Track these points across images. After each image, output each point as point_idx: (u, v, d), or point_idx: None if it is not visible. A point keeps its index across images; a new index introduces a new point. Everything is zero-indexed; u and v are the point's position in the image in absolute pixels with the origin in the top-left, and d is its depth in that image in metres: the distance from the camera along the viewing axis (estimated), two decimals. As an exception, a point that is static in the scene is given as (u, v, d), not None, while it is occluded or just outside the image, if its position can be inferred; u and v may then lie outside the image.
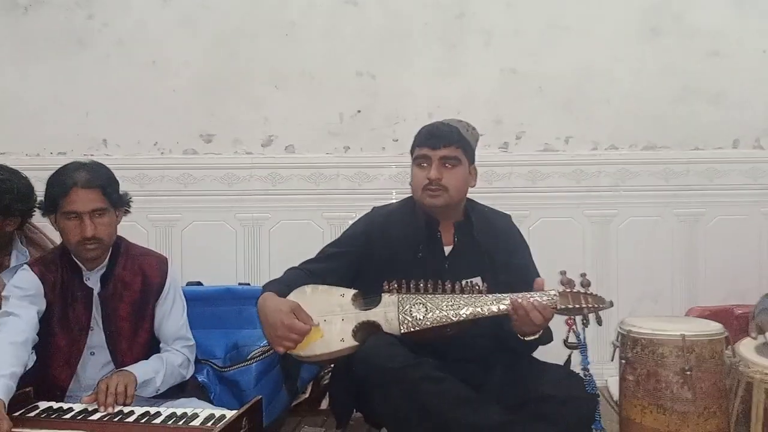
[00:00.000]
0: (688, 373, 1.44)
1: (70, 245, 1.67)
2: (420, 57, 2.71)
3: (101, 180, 1.68)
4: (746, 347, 1.64)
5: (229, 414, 1.44)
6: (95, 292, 1.71)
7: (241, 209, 2.70)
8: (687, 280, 2.63)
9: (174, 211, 2.69)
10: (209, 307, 2.20)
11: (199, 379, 1.95)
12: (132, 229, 2.60)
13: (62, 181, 1.65)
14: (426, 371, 1.56)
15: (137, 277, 1.75)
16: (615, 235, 2.67)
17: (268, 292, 1.73)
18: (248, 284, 2.48)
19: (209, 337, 2.08)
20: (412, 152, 1.85)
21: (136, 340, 1.74)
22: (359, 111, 2.72)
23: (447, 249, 1.84)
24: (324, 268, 1.82)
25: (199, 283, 2.42)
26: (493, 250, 1.81)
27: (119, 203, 1.73)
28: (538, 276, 1.77)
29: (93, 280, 1.72)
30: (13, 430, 1.33)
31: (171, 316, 1.79)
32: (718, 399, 1.46)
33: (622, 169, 2.66)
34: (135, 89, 2.70)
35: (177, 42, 2.70)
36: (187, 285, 2.38)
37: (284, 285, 1.77)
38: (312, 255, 1.96)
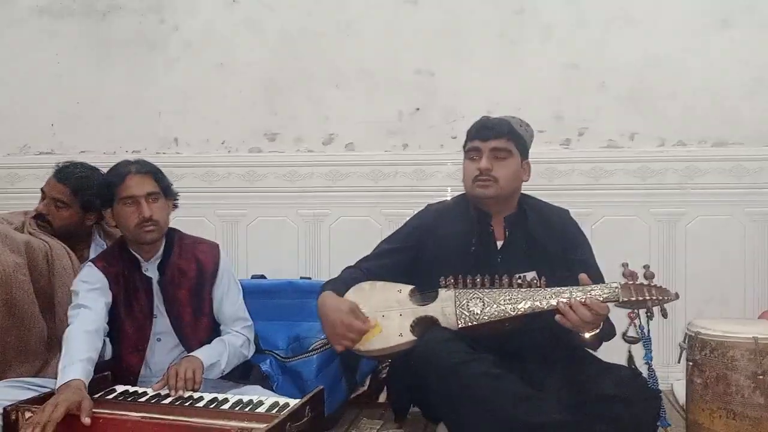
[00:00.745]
0: (761, 377, 1.39)
1: (128, 231, 1.78)
2: (478, 54, 2.69)
3: (152, 167, 1.82)
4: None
5: (293, 402, 1.49)
6: (154, 281, 1.81)
7: (302, 205, 2.77)
8: (759, 282, 2.51)
9: (239, 207, 2.79)
10: (272, 299, 2.28)
11: (263, 369, 2.02)
12: (200, 224, 2.73)
13: (117, 171, 1.79)
14: (485, 367, 1.57)
15: (192, 263, 1.84)
16: (683, 234, 2.57)
17: (327, 292, 1.79)
18: (309, 278, 2.54)
19: (272, 329, 2.16)
20: (464, 147, 1.86)
21: (198, 324, 1.83)
22: (418, 109, 2.74)
23: (499, 243, 1.84)
24: (379, 266, 1.86)
25: (263, 277, 2.50)
26: (547, 243, 1.80)
27: (169, 192, 1.84)
28: (599, 272, 1.74)
29: (151, 270, 1.82)
30: (93, 409, 1.43)
31: (228, 298, 1.87)
32: (792, 405, 1.40)
33: (690, 166, 2.56)
34: (203, 89, 2.82)
35: (242, 43, 2.80)
36: (251, 278, 2.47)
37: (342, 284, 1.82)
38: (370, 251, 2.00)
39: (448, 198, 2.53)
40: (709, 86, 2.56)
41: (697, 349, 1.51)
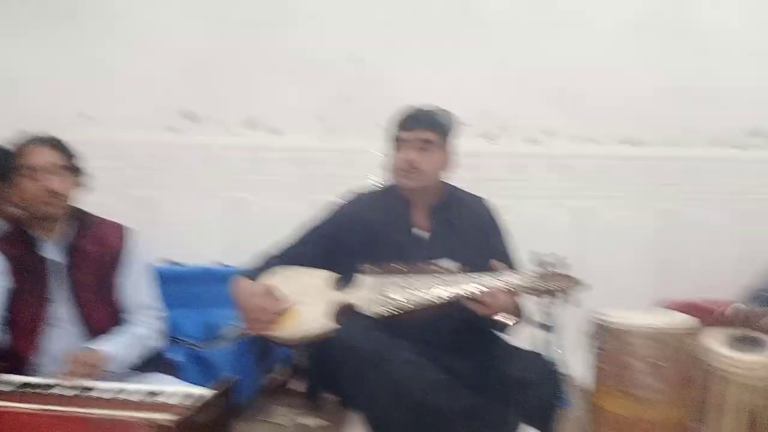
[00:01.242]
0: (658, 363, 1.48)
1: (28, 205, 1.65)
2: (410, 44, 2.70)
3: (56, 140, 1.71)
4: (714, 340, 1.68)
5: (204, 392, 1.44)
6: (54, 263, 1.69)
7: (223, 189, 2.68)
8: (660, 273, 2.68)
9: (155, 188, 2.67)
10: (186, 286, 2.20)
11: (173, 357, 1.94)
12: (111, 206, 2.57)
13: (18, 142, 1.68)
14: (401, 354, 1.58)
15: (97, 246, 1.72)
16: (593, 228, 2.70)
17: (242, 278, 1.74)
18: (227, 265, 2.47)
19: (184, 316, 2.08)
20: (391, 137, 1.86)
21: (102, 311, 1.71)
22: (346, 96, 2.72)
23: (422, 233, 1.86)
24: (301, 253, 1.83)
25: (177, 263, 2.41)
26: (469, 234, 1.83)
27: (75, 168, 1.71)
28: (516, 261, 1.80)
29: (51, 251, 1.69)
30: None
31: (137, 284, 1.76)
32: (683, 388, 1.50)
33: (602, 163, 2.69)
34: (119, 64, 2.67)
35: (164, 18, 2.67)
36: (165, 264, 2.37)
37: (259, 270, 1.78)
38: (292, 236, 1.97)
39: (375, 186, 2.53)
40: (624, 88, 2.69)
41: (602, 337, 1.59)
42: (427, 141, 1.79)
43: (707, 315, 1.86)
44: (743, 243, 2.62)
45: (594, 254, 2.65)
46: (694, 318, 1.60)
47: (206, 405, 1.36)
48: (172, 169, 2.67)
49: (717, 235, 2.66)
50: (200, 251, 2.58)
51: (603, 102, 2.69)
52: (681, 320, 1.55)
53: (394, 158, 1.82)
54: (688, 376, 1.52)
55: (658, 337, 1.51)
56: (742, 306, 1.76)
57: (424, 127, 1.79)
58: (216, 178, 2.68)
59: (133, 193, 2.66)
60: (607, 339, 1.58)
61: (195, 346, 1.98)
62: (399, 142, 1.82)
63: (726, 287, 2.18)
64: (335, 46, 2.69)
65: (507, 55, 2.68)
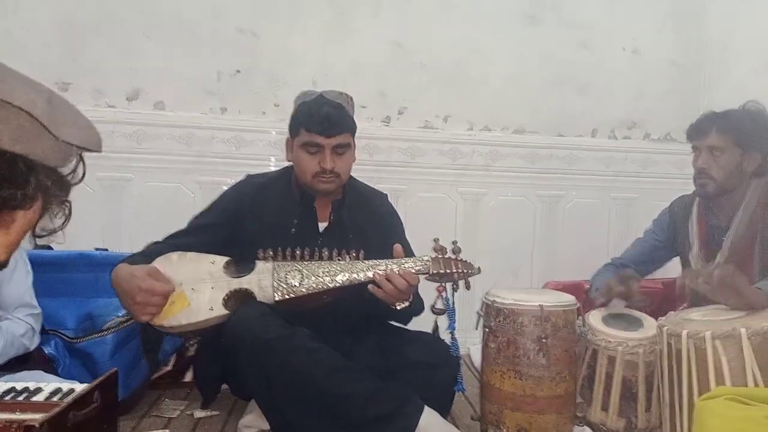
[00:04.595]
0: (544, 340, 1.55)
1: None
2: (307, 20, 2.62)
3: None
4: (594, 317, 1.80)
5: (79, 387, 1.31)
6: None
7: (101, 168, 2.45)
8: (545, 256, 2.84)
9: (20, 165, 2.39)
10: (60, 273, 1.99)
11: (46, 351, 1.76)
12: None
13: None
14: (300, 341, 1.54)
15: None
16: (484, 212, 2.80)
17: (122, 263, 1.61)
18: (106, 250, 2.27)
19: (59, 306, 1.89)
20: (293, 129, 1.78)
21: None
22: (239, 71, 2.59)
23: (322, 225, 1.82)
24: (191, 243, 1.73)
25: (49, 248, 2.18)
26: (368, 228, 1.82)
27: None
28: (411, 251, 1.81)
29: None
30: None
31: (11, 280, 1.59)
32: (568, 365, 1.59)
33: (493, 150, 2.78)
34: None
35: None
36: (34, 248, 2.14)
37: (144, 257, 1.66)
38: (181, 221, 1.85)
39: (272, 168, 2.45)
40: (515, 77, 2.79)
41: (492, 317, 1.64)
42: (344, 145, 1.74)
43: (588, 295, 2.00)
44: (619, 226, 2.85)
45: (485, 238, 2.76)
46: (578, 297, 1.70)
47: (81, 401, 1.24)
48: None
49: (596, 219, 2.86)
50: (77, 236, 2.36)
51: (495, 89, 2.77)
52: (565, 300, 1.64)
53: (308, 162, 1.73)
54: (573, 352, 1.62)
55: (544, 316, 1.58)
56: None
57: (341, 133, 1.72)
58: (93, 156, 2.44)
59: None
60: (496, 318, 1.64)
61: (72, 338, 1.81)
62: (313, 147, 1.72)
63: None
64: (226, 17, 2.54)
65: (401, 36, 2.68)
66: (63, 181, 0.84)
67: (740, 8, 2.73)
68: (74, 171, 0.85)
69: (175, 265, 1.66)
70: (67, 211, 0.89)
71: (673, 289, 2.11)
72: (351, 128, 1.76)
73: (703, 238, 1.95)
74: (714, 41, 2.87)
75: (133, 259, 1.67)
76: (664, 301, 2.10)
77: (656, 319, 1.68)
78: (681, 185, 2.10)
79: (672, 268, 2.16)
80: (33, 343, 1.63)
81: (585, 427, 1.70)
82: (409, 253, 1.77)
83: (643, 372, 1.67)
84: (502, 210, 2.81)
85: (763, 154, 1.86)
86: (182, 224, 1.84)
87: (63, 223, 0.88)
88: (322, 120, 1.69)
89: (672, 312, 1.69)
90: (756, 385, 1.36)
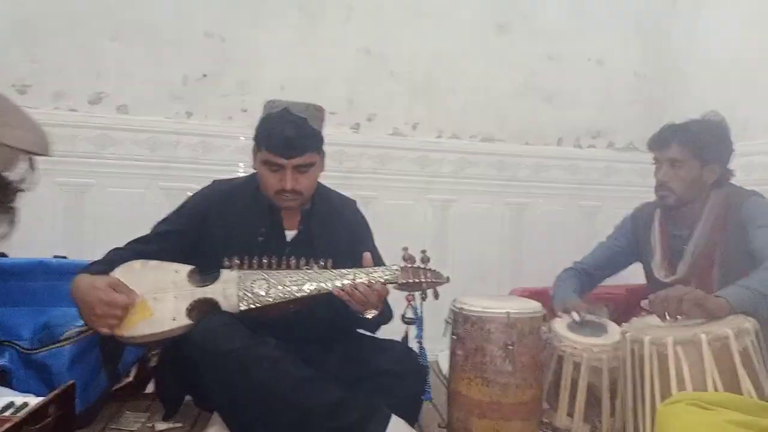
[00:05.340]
0: (510, 347, 1.56)
1: None
2: (275, 25, 2.60)
3: None
4: (560, 324, 1.82)
5: (34, 401, 1.27)
6: None
7: (62, 173, 2.39)
8: (512, 263, 2.86)
9: (-25, 170, 2.31)
10: (16, 281, 1.92)
11: (1, 364, 1.70)
12: None
13: None
14: (265, 351, 1.52)
15: None
16: (453, 219, 2.81)
17: (82, 274, 1.57)
18: (65, 257, 2.20)
19: (14, 316, 1.83)
20: (256, 142, 1.74)
21: None
22: (205, 75, 2.55)
23: (290, 234, 1.80)
24: (154, 250, 1.69)
25: (3, 255, 2.10)
26: (337, 238, 1.81)
27: None
28: (381, 260, 1.80)
29: None
30: None
31: None
32: (534, 371, 1.60)
33: (462, 158, 2.80)
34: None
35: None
36: (-11, 256, 2.06)
37: (105, 265, 1.62)
38: (145, 228, 1.81)
39: (240, 174, 2.41)
40: (484, 85, 2.82)
41: (460, 324, 1.65)
42: (307, 165, 1.71)
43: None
44: (584, 234, 2.89)
45: (454, 245, 2.78)
46: (544, 304, 1.72)
47: (35, 415, 1.20)
48: None
49: (561, 227, 2.90)
50: (35, 243, 2.28)
51: (464, 97, 2.80)
52: (532, 306, 1.66)
53: (270, 180, 1.70)
54: (539, 359, 1.63)
55: (511, 323, 1.59)
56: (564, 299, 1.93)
57: (303, 153, 1.68)
58: (53, 161, 2.37)
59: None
60: (464, 326, 1.64)
61: (28, 349, 1.75)
62: (274, 165, 1.69)
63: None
64: (192, 21, 2.51)
65: (371, 43, 2.69)
66: (7, 187, 0.80)
67: (701, 22, 2.81)
68: (23, 177, 0.82)
69: (137, 274, 1.61)
70: (13, 218, 0.86)
71: (637, 295, 2.15)
72: (315, 147, 1.71)
73: (665, 247, 1.99)
74: (676, 53, 2.94)
75: (93, 268, 1.63)
76: (627, 306, 2.14)
77: (620, 325, 1.70)
78: (644, 193, 2.13)
79: (636, 273, 2.20)
80: (-14, 355, 1.57)
81: (551, 432, 1.71)
82: (378, 261, 1.76)
83: (608, 378, 1.70)
84: (470, 217, 2.82)
85: (722, 165, 1.91)
86: (146, 231, 1.80)
87: (8, 231, 0.85)
88: (282, 142, 1.65)
89: (635, 318, 1.72)
90: (716, 389, 1.39)
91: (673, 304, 1.55)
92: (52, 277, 1.93)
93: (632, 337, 1.55)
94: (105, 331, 1.53)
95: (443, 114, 2.79)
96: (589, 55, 2.92)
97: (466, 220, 2.81)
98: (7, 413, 1.22)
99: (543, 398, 1.69)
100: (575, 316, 1.84)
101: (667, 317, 1.56)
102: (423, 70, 2.75)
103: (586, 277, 2.11)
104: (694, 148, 1.87)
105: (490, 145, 2.84)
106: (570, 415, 1.72)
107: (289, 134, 1.65)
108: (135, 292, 1.56)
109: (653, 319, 1.65)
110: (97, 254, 1.77)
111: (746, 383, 1.40)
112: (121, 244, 1.75)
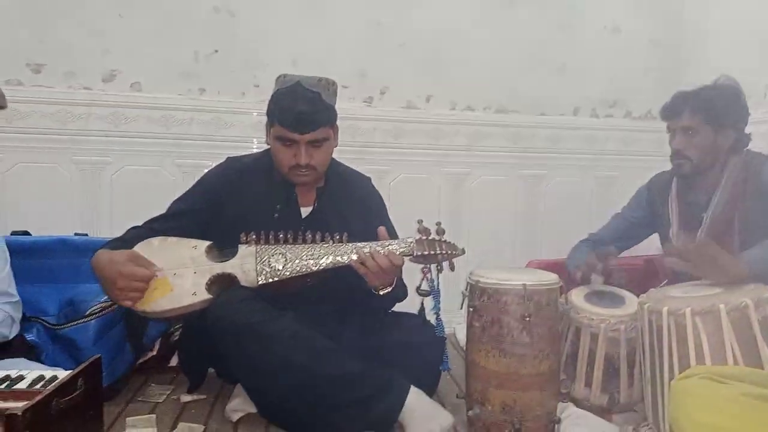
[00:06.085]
0: (527, 319, 1.56)
1: None
2: (285, 1, 2.57)
3: None
4: (577, 296, 1.82)
5: (62, 374, 1.30)
6: None
7: (77, 151, 2.41)
8: (528, 235, 2.86)
9: (-1, 151, 2.34)
10: (40, 259, 1.96)
11: (28, 339, 1.74)
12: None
13: None
14: (284, 324, 1.54)
15: None
16: (467, 192, 2.80)
17: (102, 250, 1.59)
18: (86, 235, 2.24)
19: (40, 293, 1.86)
20: (269, 117, 1.74)
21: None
22: (216, 51, 2.54)
23: (305, 211, 1.81)
24: (172, 227, 1.71)
25: (26, 233, 2.14)
26: (351, 214, 1.81)
27: None
28: (396, 234, 1.81)
29: None
30: None
31: None
32: (551, 342, 1.61)
33: (476, 130, 2.78)
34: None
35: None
36: (11, 234, 2.10)
37: (124, 243, 1.64)
38: (162, 204, 1.83)
39: (254, 150, 2.42)
40: (494, 57, 2.78)
41: (477, 296, 1.65)
42: (320, 140, 1.70)
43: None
44: (600, 205, 2.87)
45: (469, 218, 2.77)
46: (560, 276, 1.72)
47: (64, 388, 1.23)
48: (16, 129, 2.34)
49: (577, 198, 2.88)
50: (56, 221, 2.32)
51: (476, 69, 2.76)
52: (548, 278, 1.65)
53: (284, 155, 1.70)
54: (556, 330, 1.63)
55: (528, 295, 1.59)
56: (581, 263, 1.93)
57: (315, 129, 1.67)
58: (68, 139, 2.40)
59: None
60: (480, 298, 1.65)
61: (54, 325, 1.79)
62: (287, 140, 1.68)
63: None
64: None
65: (381, 16, 2.65)
66: None
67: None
68: None
69: (156, 251, 1.64)
70: None
71: (654, 265, 2.15)
72: (328, 121, 1.70)
73: (683, 216, 1.97)
74: (691, 19, 2.88)
75: (113, 244, 1.65)
76: (645, 277, 2.13)
77: (638, 295, 1.70)
78: (661, 163, 2.11)
79: (653, 245, 2.18)
80: (12, 331, 1.61)
81: (569, 403, 1.72)
82: (393, 235, 1.76)
83: (625, 348, 1.70)
84: (485, 190, 2.81)
85: (737, 129, 1.87)
86: (163, 207, 1.82)
87: None
88: (295, 117, 1.64)
89: (653, 289, 1.71)
90: (735, 359, 1.39)
91: (688, 254, 1.56)
92: (74, 254, 1.96)
93: (650, 308, 1.55)
94: (128, 303, 1.56)
95: (456, 86, 2.76)
96: (604, 24, 2.86)
97: (481, 193, 2.80)
98: (37, 386, 1.26)
99: (560, 369, 1.70)
100: (596, 280, 1.83)
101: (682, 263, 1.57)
102: (434, 42, 2.71)
103: (602, 248, 2.10)
104: (707, 114, 1.84)
105: (505, 116, 2.81)
106: (588, 385, 1.74)
107: (302, 109, 1.64)
108: (155, 265, 1.59)
109: (671, 290, 1.64)
110: (116, 231, 1.80)
111: (766, 352, 1.40)
112: (139, 221, 1.77)
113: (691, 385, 1.24)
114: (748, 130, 1.90)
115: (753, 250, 1.61)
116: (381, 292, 1.65)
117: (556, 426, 1.61)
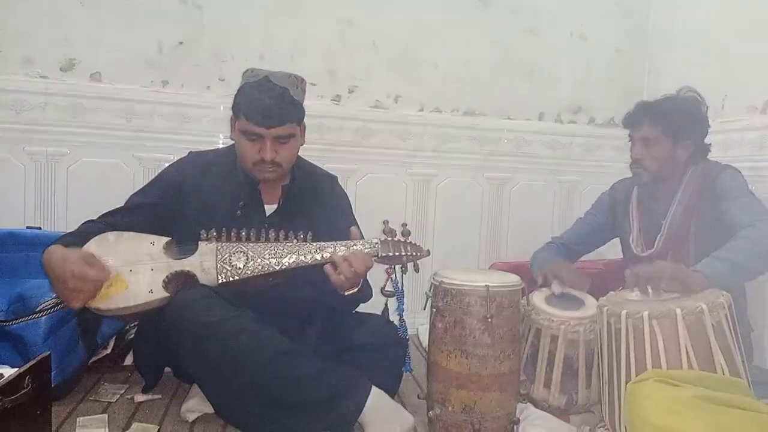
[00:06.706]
0: (489, 320, 1.57)
1: None
2: (253, -5, 2.53)
3: None
4: (538, 297, 1.84)
5: (8, 372, 1.25)
6: None
7: (32, 142, 2.33)
8: (493, 237, 2.88)
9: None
10: (-13, 252, 1.88)
11: (-28, 336, 1.67)
12: None
13: None
14: (243, 323, 1.51)
15: None
16: (433, 193, 2.81)
17: (54, 245, 1.53)
18: (39, 228, 2.16)
19: (-14, 287, 1.79)
20: (234, 111, 1.70)
21: None
22: (181, 42, 2.48)
23: (269, 209, 1.78)
24: (128, 222, 1.66)
25: (-25, 226, 2.05)
26: (316, 213, 1.79)
27: None
28: (361, 236, 1.79)
29: None
30: None
31: None
32: (512, 343, 1.62)
33: (443, 132, 2.78)
34: None
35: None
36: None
37: (79, 238, 1.58)
38: (120, 199, 1.78)
39: (219, 146, 2.37)
40: (464, 59, 2.79)
41: (440, 297, 1.65)
42: (286, 135, 1.67)
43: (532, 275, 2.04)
44: (563, 208, 2.92)
45: (435, 219, 2.78)
46: (523, 277, 1.73)
47: (11, 386, 1.18)
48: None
49: (541, 201, 2.92)
50: (7, 214, 2.23)
51: (445, 71, 2.77)
52: (511, 280, 1.66)
53: (248, 150, 1.67)
54: (517, 331, 1.64)
55: (490, 296, 1.60)
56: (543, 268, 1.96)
57: (282, 124, 1.64)
58: (23, 129, 2.31)
59: None
60: (443, 299, 1.64)
61: (2, 321, 1.71)
62: (253, 135, 1.65)
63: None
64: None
65: (352, 14, 2.63)
66: None
67: (681, -1, 2.81)
68: None
69: (112, 246, 1.59)
70: None
71: (614, 269, 2.18)
72: (295, 118, 1.68)
73: (643, 222, 2.01)
74: (657, 30, 2.95)
75: (66, 239, 1.59)
76: (604, 281, 2.17)
77: (597, 299, 1.73)
78: (623, 169, 2.15)
79: (614, 248, 2.23)
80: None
81: (528, 403, 1.74)
82: (362, 235, 1.75)
83: (584, 350, 1.73)
84: (451, 191, 2.82)
85: (697, 141, 1.92)
86: (121, 202, 1.77)
87: None
88: (262, 111, 1.62)
89: (612, 292, 1.74)
90: (690, 363, 1.42)
91: (654, 280, 1.58)
92: (25, 248, 1.89)
93: (609, 310, 1.57)
94: (76, 305, 1.51)
95: (425, 87, 2.76)
96: (571, 30, 2.91)
97: (447, 194, 2.81)
98: (-20, 386, 1.20)
99: (520, 370, 1.72)
100: (555, 288, 1.86)
101: (649, 291, 1.60)
102: (404, 43, 2.71)
103: (565, 251, 2.13)
104: (666, 126, 1.88)
105: (472, 119, 2.83)
106: (547, 386, 1.76)
107: (269, 103, 1.62)
108: (108, 268, 1.54)
109: (630, 294, 1.67)
110: (71, 225, 1.74)
111: (719, 357, 1.43)
112: (95, 215, 1.72)
113: (645, 388, 1.26)
114: (706, 140, 1.95)
115: (710, 261, 1.64)
116: (346, 293, 1.63)
117: (515, 426, 1.62)
